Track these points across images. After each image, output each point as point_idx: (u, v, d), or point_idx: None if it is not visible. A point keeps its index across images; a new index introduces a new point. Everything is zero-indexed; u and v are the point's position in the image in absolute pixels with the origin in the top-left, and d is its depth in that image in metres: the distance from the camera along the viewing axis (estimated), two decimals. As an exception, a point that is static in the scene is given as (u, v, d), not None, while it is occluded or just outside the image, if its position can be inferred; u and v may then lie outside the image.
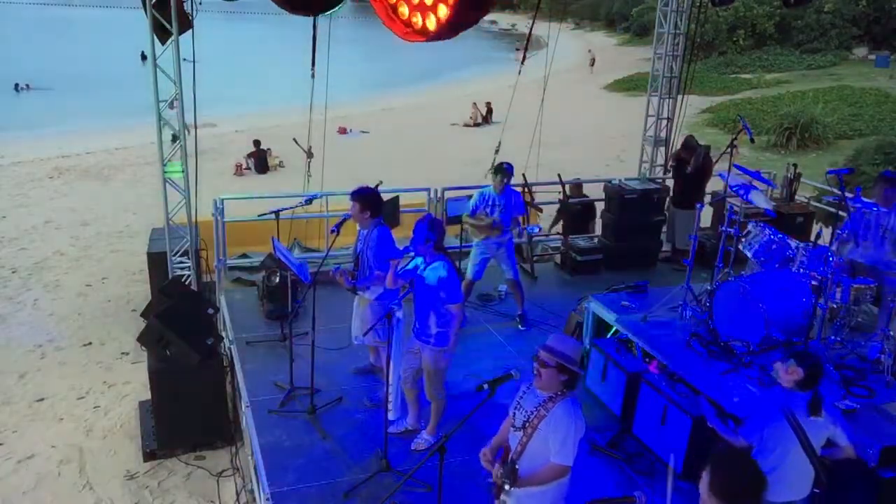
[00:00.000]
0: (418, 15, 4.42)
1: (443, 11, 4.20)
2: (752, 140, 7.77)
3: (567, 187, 9.60)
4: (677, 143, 10.66)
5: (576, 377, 3.67)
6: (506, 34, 64.27)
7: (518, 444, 3.68)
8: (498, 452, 3.85)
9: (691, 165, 9.01)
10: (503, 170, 7.23)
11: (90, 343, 8.64)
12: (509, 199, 7.23)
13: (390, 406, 5.25)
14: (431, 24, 4.32)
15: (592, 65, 40.65)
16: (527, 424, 3.65)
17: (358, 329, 6.09)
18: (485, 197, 7.27)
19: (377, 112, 26.80)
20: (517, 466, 3.59)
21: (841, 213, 7.60)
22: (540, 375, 3.63)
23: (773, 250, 6.10)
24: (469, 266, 7.51)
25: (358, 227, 6.01)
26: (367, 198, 5.84)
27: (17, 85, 30.98)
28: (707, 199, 9.03)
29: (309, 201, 7.43)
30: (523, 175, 9.15)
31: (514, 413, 3.78)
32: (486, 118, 24.67)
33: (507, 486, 3.52)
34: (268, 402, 6.14)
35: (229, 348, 7.04)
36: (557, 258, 9.45)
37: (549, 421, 3.60)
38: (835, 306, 5.71)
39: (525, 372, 3.86)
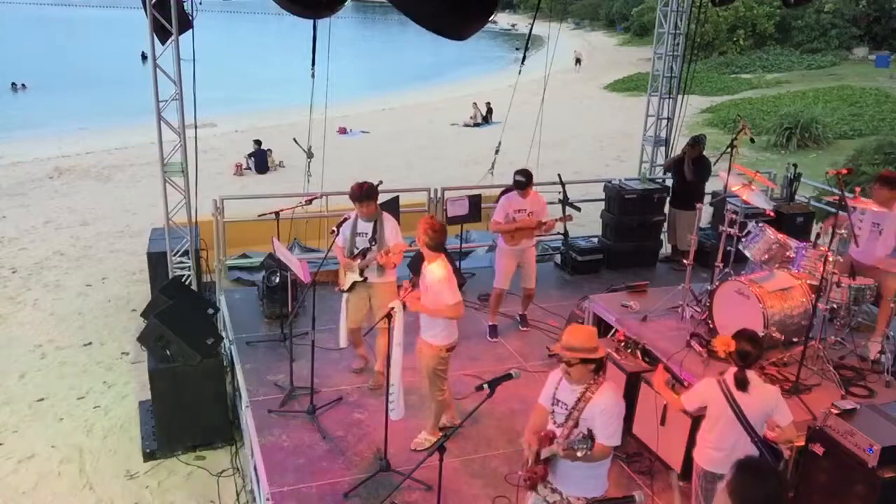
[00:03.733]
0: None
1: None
2: (751, 140, 7.77)
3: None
4: (677, 143, 10.67)
5: (601, 362, 3.77)
6: (506, 34, 64.30)
7: (564, 431, 3.76)
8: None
9: (688, 173, 8.95)
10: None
11: (90, 343, 8.64)
12: None
13: (392, 406, 5.25)
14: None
15: (578, 64, 40.49)
16: (571, 414, 3.75)
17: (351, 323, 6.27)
18: None
19: (377, 112, 26.79)
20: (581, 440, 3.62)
21: (841, 213, 7.60)
22: (570, 374, 3.73)
23: (773, 250, 6.11)
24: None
25: (361, 220, 6.15)
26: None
27: (13, 84, 30.96)
28: (707, 199, 9.02)
29: (309, 201, 7.44)
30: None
31: (554, 410, 3.86)
32: (486, 118, 24.67)
33: (580, 453, 3.55)
34: (268, 402, 6.15)
35: (229, 348, 7.04)
36: (557, 258, 9.46)
37: (593, 408, 3.70)
38: (835, 306, 5.71)
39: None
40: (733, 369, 4.09)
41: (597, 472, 3.83)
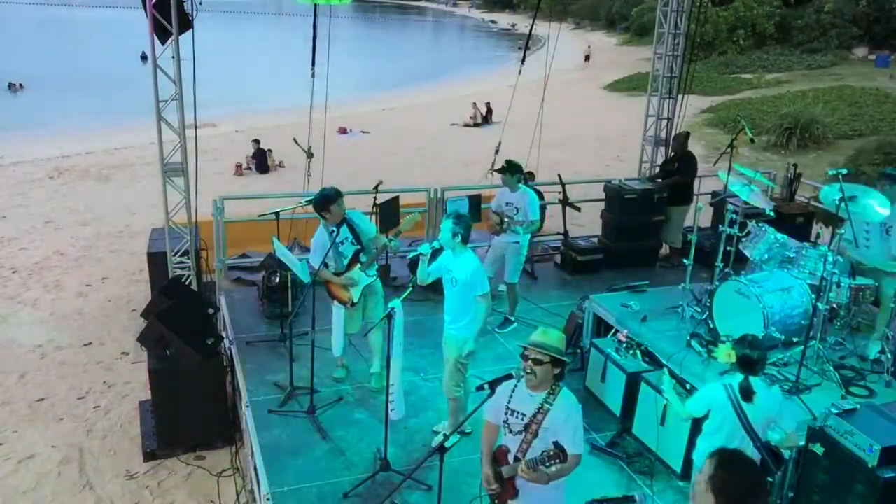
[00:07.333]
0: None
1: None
2: (752, 140, 7.78)
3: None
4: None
5: (565, 367, 3.69)
6: (506, 34, 64.31)
7: (523, 443, 3.67)
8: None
9: (674, 155, 9.14)
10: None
11: (90, 343, 8.64)
12: None
13: (392, 405, 5.25)
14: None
15: (587, 60, 40.83)
16: (530, 425, 3.65)
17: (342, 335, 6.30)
18: None
19: (377, 112, 26.77)
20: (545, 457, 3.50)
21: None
22: (535, 374, 3.61)
23: (773, 250, 6.11)
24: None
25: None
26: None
27: (10, 84, 30.92)
28: (706, 198, 9.05)
29: (309, 201, 7.43)
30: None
31: (507, 419, 3.76)
32: (486, 118, 24.66)
33: (554, 469, 3.46)
34: (268, 402, 6.15)
35: (229, 348, 7.04)
36: (557, 258, 9.46)
37: (555, 416, 3.61)
38: (835, 306, 5.71)
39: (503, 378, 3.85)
40: (739, 377, 4.06)
41: (557, 483, 3.69)
